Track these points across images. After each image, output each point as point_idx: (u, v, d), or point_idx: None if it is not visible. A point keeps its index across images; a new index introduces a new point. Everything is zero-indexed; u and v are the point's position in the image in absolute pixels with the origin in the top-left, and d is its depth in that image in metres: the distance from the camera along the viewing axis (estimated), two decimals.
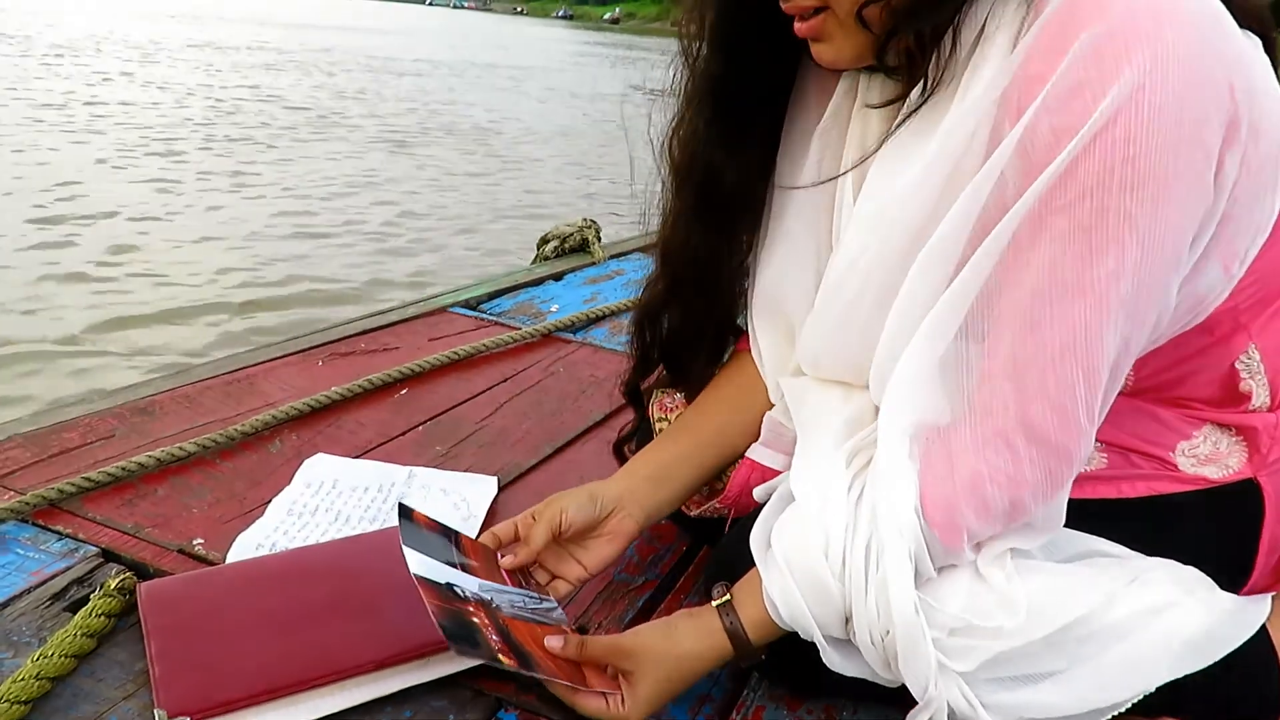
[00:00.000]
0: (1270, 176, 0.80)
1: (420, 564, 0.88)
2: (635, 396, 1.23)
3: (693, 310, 1.10)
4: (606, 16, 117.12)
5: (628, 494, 1.06)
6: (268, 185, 6.71)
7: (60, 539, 1.14)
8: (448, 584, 0.89)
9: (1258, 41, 0.81)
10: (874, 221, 0.88)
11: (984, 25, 0.80)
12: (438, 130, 10.13)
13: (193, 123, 8.80)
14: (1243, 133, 0.74)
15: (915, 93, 0.84)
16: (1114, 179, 0.71)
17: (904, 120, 0.85)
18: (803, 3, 0.84)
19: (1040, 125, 0.73)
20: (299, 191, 6.64)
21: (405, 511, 0.95)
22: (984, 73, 0.79)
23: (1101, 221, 0.72)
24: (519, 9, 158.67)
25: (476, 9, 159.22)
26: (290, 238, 5.48)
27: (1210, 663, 0.84)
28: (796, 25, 0.87)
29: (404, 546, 0.89)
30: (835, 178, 0.97)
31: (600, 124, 12.34)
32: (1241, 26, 0.78)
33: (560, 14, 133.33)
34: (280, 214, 5.96)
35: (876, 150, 0.90)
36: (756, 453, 1.08)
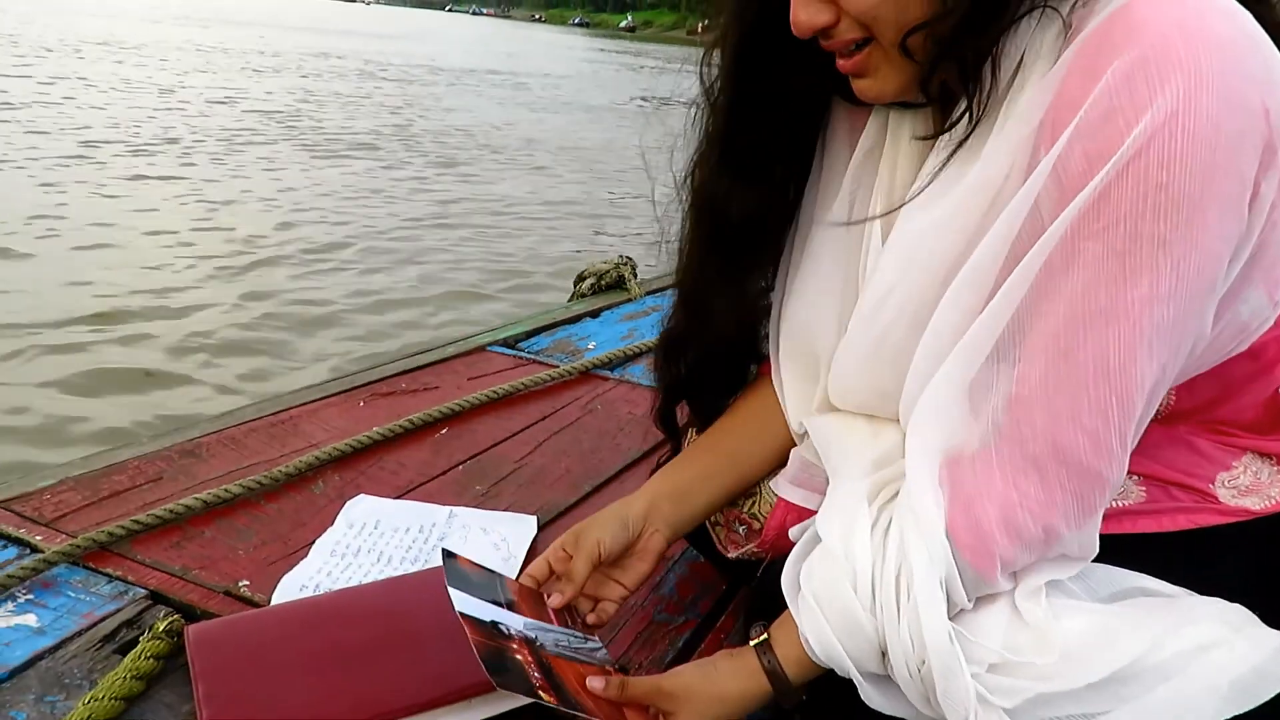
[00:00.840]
0: None
1: (465, 602, 0.89)
2: (669, 422, 1.23)
3: (710, 345, 1.11)
4: (622, 25, 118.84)
5: (653, 511, 1.07)
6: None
7: (110, 581, 1.16)
8: (492, 622, 0.90)
9: None
10: (911, 252, 0.88)
11: (1022, 56, 0.80)
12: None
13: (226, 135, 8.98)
14: (1278, 155, 0.74)
15: (961, 126, 0.83)
16: (1148, 205, 0.71)
17: (953, 153, 0.85)
18: (846, 36, 0.84)
19: (1074, 151, 0.73)
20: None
21: (448, 554, 0.96)
22: (1021, 103, 0.79)
23: (1135, 247, 0.72)
24: (537, 15, 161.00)
25: (496, 15, 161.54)
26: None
27: (1260, 702, 0.82)
28: (840, 62, 0.87)
29: (448, 587, 0.90)
30: (872, 218, 0.97)
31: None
32: (1277, 44, 0.78)
33: (576, 21, 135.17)
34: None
35: (913, 184, 0.91)
36: (788, 492, 1.08)
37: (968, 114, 0.82)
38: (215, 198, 6.33)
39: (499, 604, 0.94)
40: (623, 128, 12.83)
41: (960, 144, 0.84)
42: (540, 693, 0.84)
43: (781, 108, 0.99)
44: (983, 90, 0.81)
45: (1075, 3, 0.78)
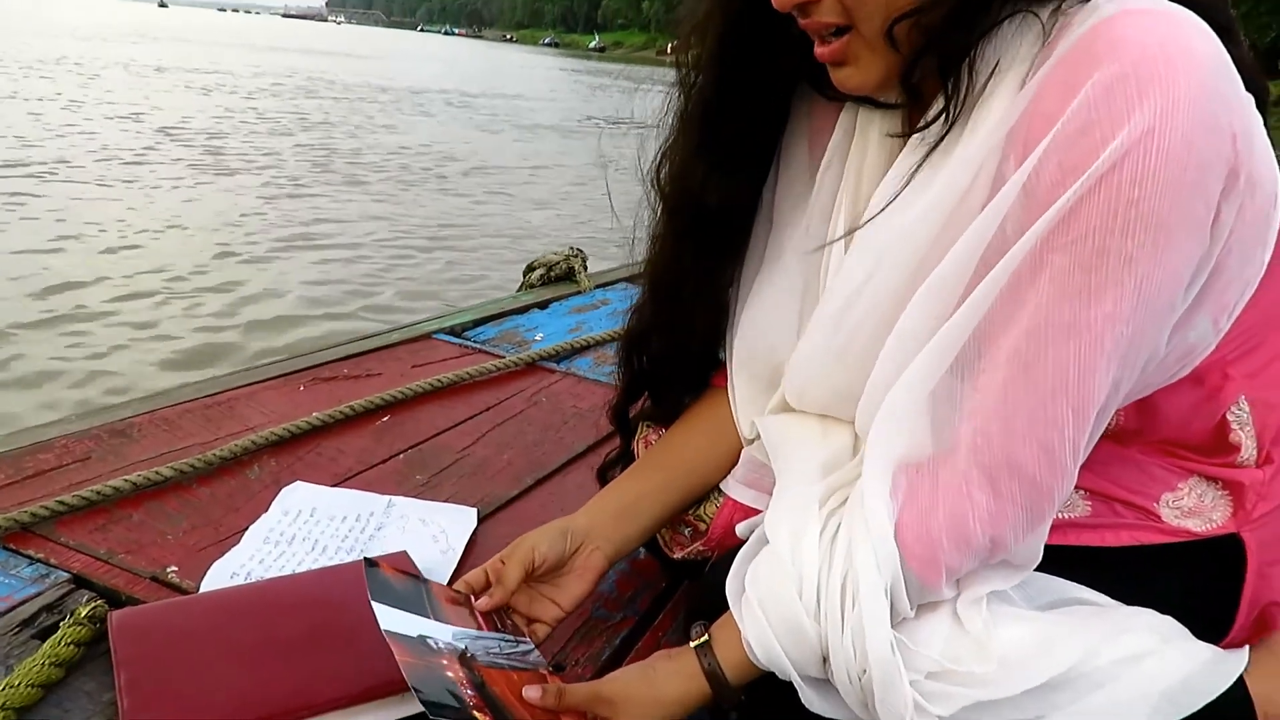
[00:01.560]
0: (1262, 231, 0.80)
1: (390, 619, 0.87)
2: (622, 421, 1.22)
3: (678, 337, 1.10)
4: (591, 45, 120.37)
5: (595, 528, 1.05)
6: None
7: (31, 564, 1.12)
8: (420, 636, 0.88)
9: (1251, 98, 0.82)
10: (879, 255, 0.87)
11: (998, 61, 0.80)
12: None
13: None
14: (1241, 183, 0.74)
15: (936, 126, 0.83)
16: (1117, 221, 0.71)
17: (927, 154, 0.84)
18: (825, 18, 0.83)
19: (1048, 163, 0.73)
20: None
21: (372, 563, 0.94)
22: (994, 108, 0.79)
23: (1102, 263, 0.72)
24: (509, 36, 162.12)
25: (468, 35, 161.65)
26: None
27: (1188, 713, 0.84)
28: (818, 49, 0.86)
29: (372, 602, 0.87)
30: (842, 233, 0.96)
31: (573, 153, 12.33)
32: (1247, 83, 0.79)
33: (547, 41, 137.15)
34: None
35: (879, 185, 0.90)
36: (738, 492, 1.07)
37: (944, 114, 0.82)
38: (77, 219, 6.03)
39: (425, 614, 0.92)
40: (567, 146, 12.66)
41: (934, 147, 0.83)
42: (475, 714, 0.82)
43: (761, 95, 0.99)
44: (959, 90, 0.80)
45: (1054, 11, 0.78)
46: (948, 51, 0.80)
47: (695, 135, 1.00)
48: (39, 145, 8.33)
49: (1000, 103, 0.79)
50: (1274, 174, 0.79)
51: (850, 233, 0.93)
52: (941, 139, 0.83)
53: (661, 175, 1.05)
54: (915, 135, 0.86)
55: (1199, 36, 0.72)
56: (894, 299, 0.85)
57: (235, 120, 11.71)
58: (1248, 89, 0.80)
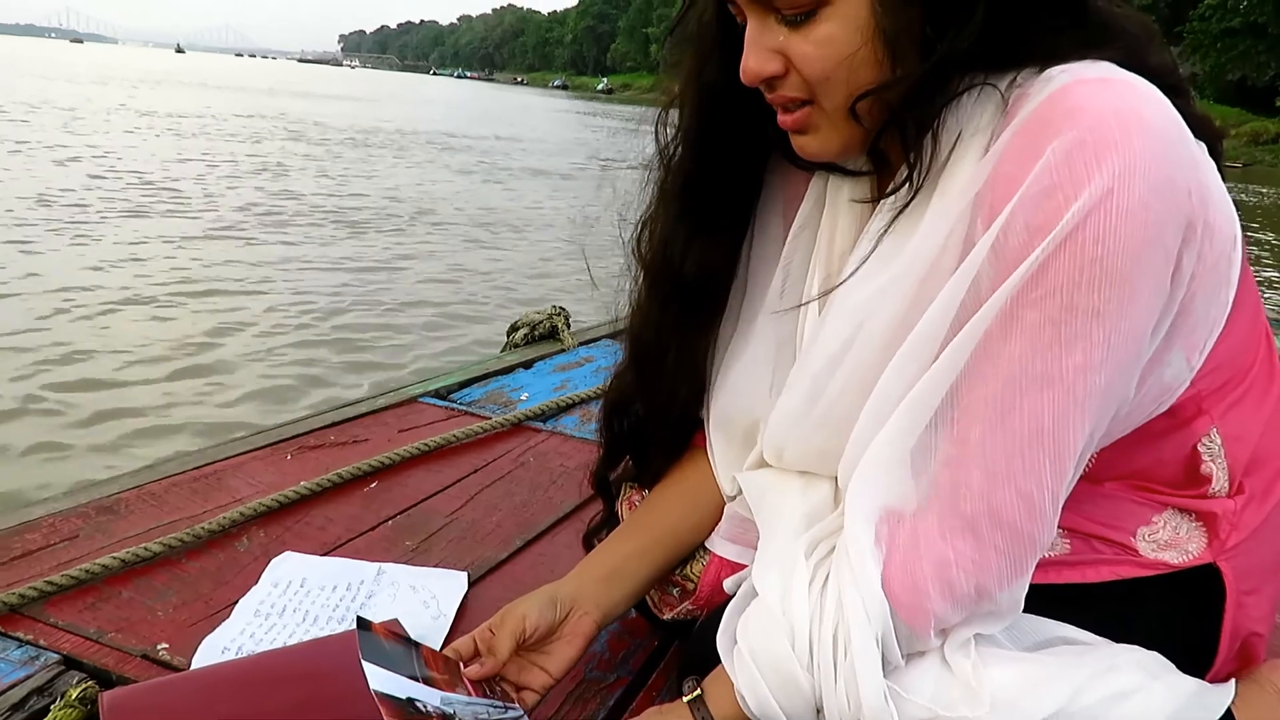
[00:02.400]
0: (1223, 272, 0.84)
1: (380, 679, 0.87)
2: (604, 487, 1.23)
3: (660, 402, 1.11)
4: (599, 87, 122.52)
5: (583, 593, 1.06)
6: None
7: (20, 646, 1.12)
8: (409, 699, 0.88)
9: (1204, 148, 0.85)
10: (855, 321, 0.90)
11: (961, 130, 0.83)
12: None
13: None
14: (1199, 232, 0.78)
15: (902, 191, 0.86)
16: (1083, 277, 0.74)
17: (894, 219, 0.87)
18: (789, 94, 0.86)
19: (1015, 224, 0.76)
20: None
21: (364, 624, 0.94)
22: (959, 174, 0.82)
23: (1071, 317, 0.75)
24: (519, 79, 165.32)
25: (479, 79, 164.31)
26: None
27: None
28: (781, 118, 0.89)
29: (363, 661, 0.88)
30: (814, 294, 0.98)
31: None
32: (1194, 135, 0.82)
33: (556, 84, 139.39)
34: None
35: (851, 250, 0.93)
36: (723, 548, 1.08)
37: (908, 182, 0.85)
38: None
39: (414, 677, 0.92)
40: (558, 193, 12.36)
41: (901, 210, 0.87)
42: None
43: (738, 165, 1.02)
44: (923, 160, 0.84)
45: (1011, 82, 0.81)
46: (909, 124, 0.83)
47: (676, 206, 1.03)
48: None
49: (964, 169, 0.82)
50: (1230, 218, 0.83)
51: (825, 295, 0.95)
52: (908, 203, 0.86)
53: (642, 244, 1.07)
54: (884, 200, 0.89)
55: (1150, 102, 0.76)
56: (873, 362, 0.87)
57: (208, 164, 11.51)
58: (1201, 138, 0.83)
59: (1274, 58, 39.61)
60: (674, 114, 1.03)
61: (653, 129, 1.04)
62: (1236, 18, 40.24)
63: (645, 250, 1.08)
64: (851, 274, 0.90)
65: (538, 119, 34.16)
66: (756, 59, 0.85)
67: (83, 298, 5.30)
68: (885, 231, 0.88)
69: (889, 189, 0.88)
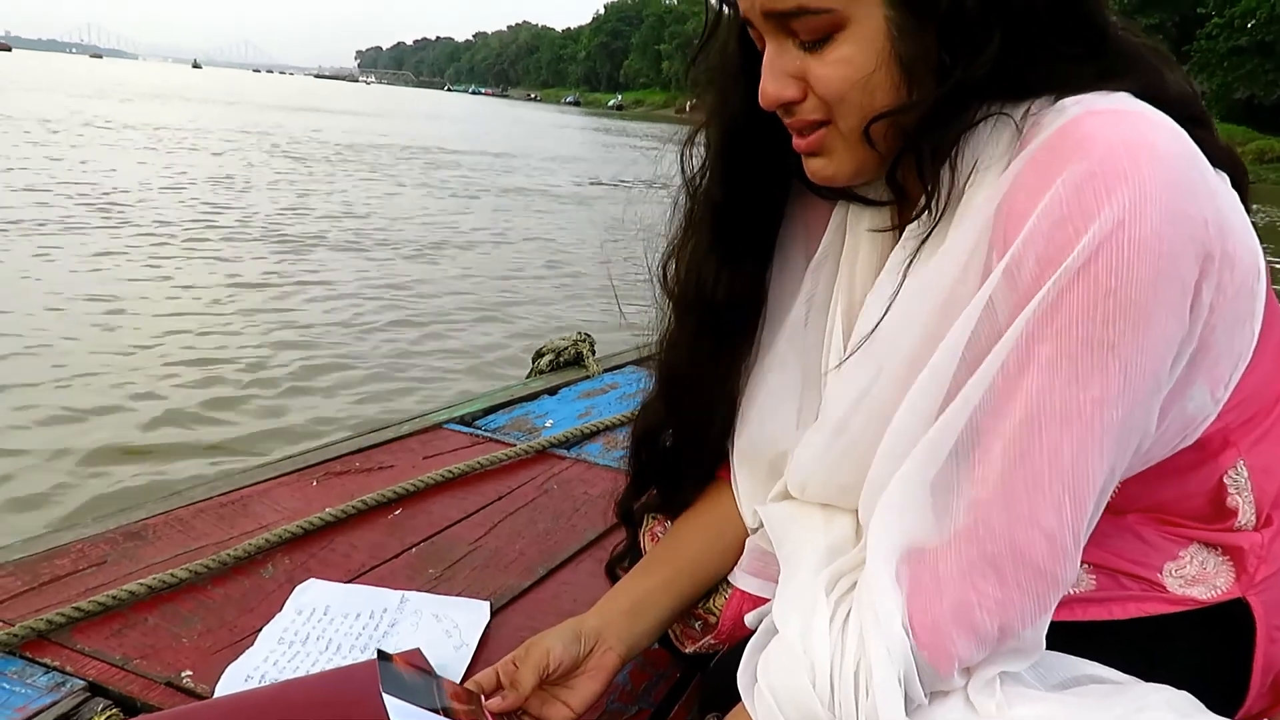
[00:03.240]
0: (1247, 304, 0.83)
1: (401, 713, 0.87)
2: (629, 517, 1.23)
3: (691, 432, 1.11)
4: (611, 104, 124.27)
5: (607, 627, 1.05)
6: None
7: (47, 672, 1.13)
8: None
9: (1226, 178, 0.85)
10: (876, 353, 0.90)
11: (977, 160, 0.83)
12: None
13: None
14: (1217, 264, 0.77)
15: (923, 220, 0.86)
16: (1098, 311, 0.73)
17: (916, 250, 0.87)
18: (806, 117, 0.87)
19: (1027, 257, 0.76)
20: None
21: (384, 656, 0.95)
22: (976, 205, 0.82)
23: (1087, 351, 0.74)
24: (533, 95, 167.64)
25: (494, 95, 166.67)
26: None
27: None
28: (796, 141, 0.90)
29: (384, 694, 0.88)
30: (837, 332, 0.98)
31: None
32: (1214, 167, 0.82)
33: (569, 100, 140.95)
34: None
35: (873, 281, 0.93)
36: (745, 582, 1.08)
37: (928, 211, 0.85)
38: None
39: (435, 709, 0.92)
40: (530, 215, 11.69)
41: (922, 241, 0.87)
42: None
43: (764, 193, 1.03)
44: (940, 188, 0.84)
45: (1026, 112, 0.81)
46: (925, 152, 0.83)
47: (707, 236, 1.04)
48: None
49: (980, 200, 0.82)
50: (1252, 249, 0.82)
51: (845, 330, 0.95)
52: (929, 234, 0.86)
53: (668, 274, 1.08)
54: (905, 231, 0.89)
55: (1161, 132, 0.76)
56: (893, 397, 0.87)
57: (173, 179, 11.13)
58: (1223, 169, 0.82)
59: None
60: (699, 141, 1.03)
61: (667, 152, 1.05)
62: (1244, 36, 40.11)
63: (673, 280, 1.08)
64: (884, 315, 0.90)
65: (541, 135, 33.87)
66: (775, 84, 0.86)
67: None
68: (909, 264, 0.88)
69: (908, 220, 0.88)
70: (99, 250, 7.02)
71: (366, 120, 31.22)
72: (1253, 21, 39.66)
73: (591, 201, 13.62)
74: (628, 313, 1.15)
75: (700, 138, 1.04)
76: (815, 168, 0.91)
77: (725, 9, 0.95)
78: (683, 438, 1.12)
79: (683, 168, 1.05)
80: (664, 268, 1.09)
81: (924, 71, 0.81)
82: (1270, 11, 38.77)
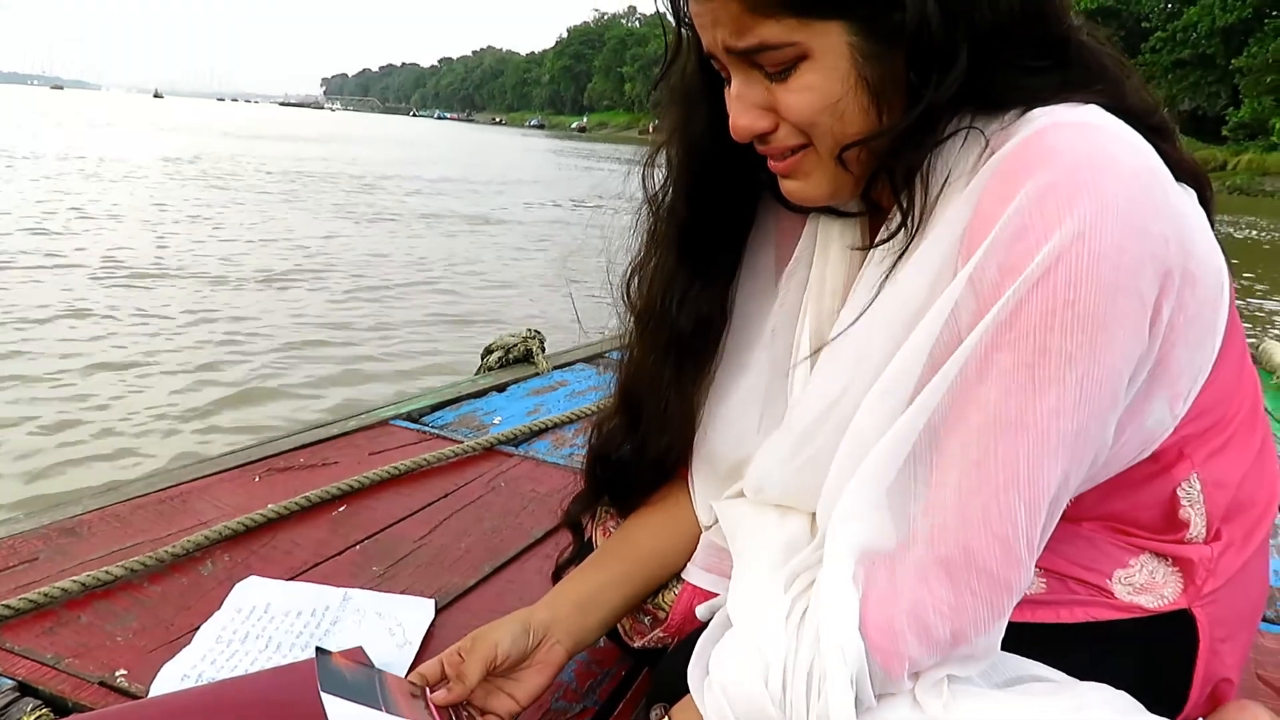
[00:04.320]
0: (1209, 320, 0.84)
1: (340, 712, 0.86)
2: (577, 527, 1.23)
3: (650, 448, 1.11)
4: (574, 126, 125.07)
5: (555, 622, 1.05)
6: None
7: None
8: None
9: (1193, 194, 0.86)
10: (849, 366, 0.90)
11: (948, 174, 0.84)
12: None
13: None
14: (1177, 281, 0.78)
15: (900, 236, 0.87)
16: (1055, 321, 0.74)
17: (894, 264, 0.87)
18: (785, 143, 0.87)
19: (988, 265, 0.77)
20: None
21: (322, 652, 0.93)
22: (947, 217, 0.83)
23: (1043, 360, 0.75)
24: (498, 119, 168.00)
25: (459, 119, 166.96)
26: None
27: None
28: (772, 162, 0.90)
29: (322, 694, 0.86)
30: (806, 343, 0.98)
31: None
32: (1178, 179, 0.83)
33: (533, 123, 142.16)
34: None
35: (842, 292, 0.94)
36: (697, 577, 1.08)
37: (904, 228, 0.86)
38: None
39: (378, 706, 0.91)
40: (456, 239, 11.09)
41: (899, 256, 0.87)
42: None
43: (729, 209, 1.03)
44: (914, 204, 0.84)
45: (995, 125, 0.82)
46: (898, 171, 0.84)
47: (671, 253, 1.04)
48: None
49: (952, 212, 0.83)
50: (1217, 266, 0.83)
51: (820, 345, 0.96)
52: (905, 249, 0.86)
53: (631, 290, 1.07)
54: (877, 244, 0.90)
55: (1125, 147, 0.77)
56: (858, 402, 0.87)
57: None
58: (1187, 183, 0.84)
59: (1224, 88, 40.51)
60: (659, 161, 1.04)
61: (628, 172, 1.05)
62: (1186, 49, 41.22)
63: (636, 297, 1.08)
64: (852, 323, 0.90)
65: (499, 158, 33.58)
66: (747, 117, 0.87)
67: None
68: (884, 279, 0.88)
69: (880, 235, 0.89)
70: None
71: (308, 146, 30.50)
72: (1194, 35, 40.73)
73: (543, 223, 13.40)
74: (575, 310, 1.14)
75: (661, 157, 1.04)
76: (792, 189, 0.92)
77: (684, 31, 0.95)
78: (640, 453, 1.11)
79: (644, 186, 1.05)
80: (626, 284, 1.09)
81: (893, 93, 0.82)
82: (1211, 25, 39.84)
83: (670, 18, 0.95)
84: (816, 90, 0.82)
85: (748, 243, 1.07)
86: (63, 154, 18.53)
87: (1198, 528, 0.93)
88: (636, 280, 1.08)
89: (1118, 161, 0.75)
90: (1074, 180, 0.74)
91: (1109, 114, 0.80)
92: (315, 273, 8.04)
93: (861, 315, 0.89)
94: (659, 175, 1.04)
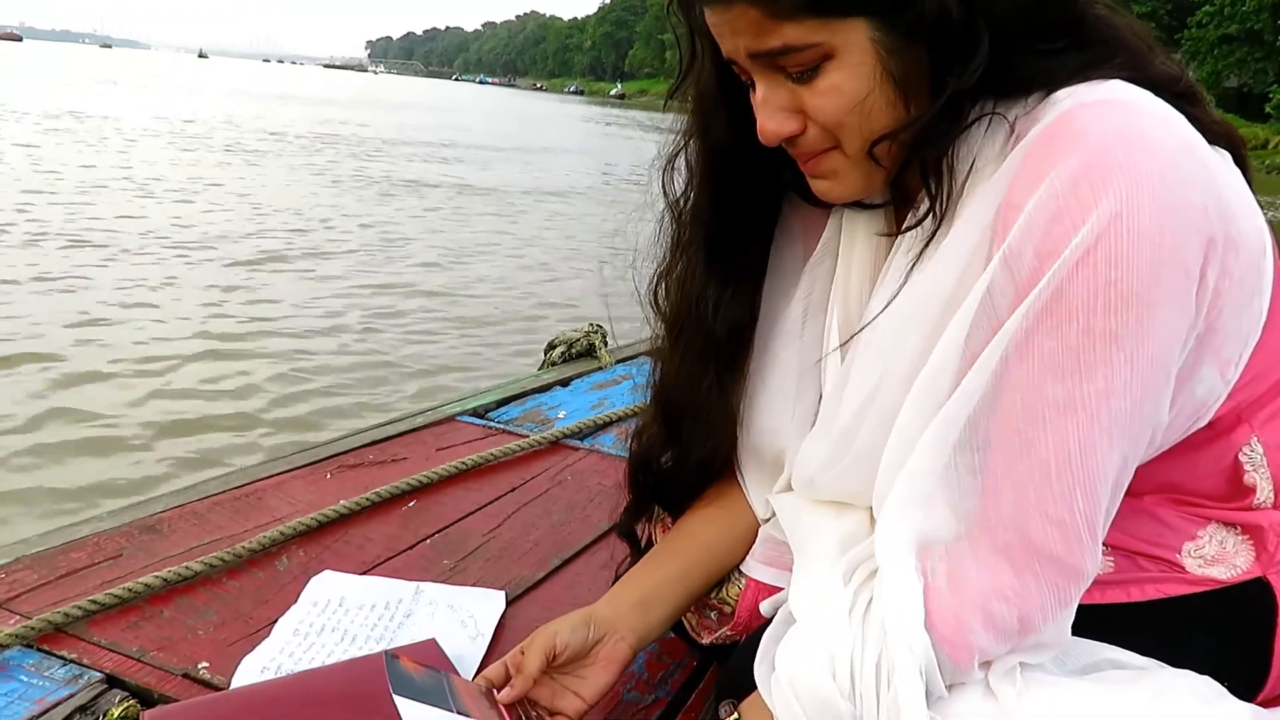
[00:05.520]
0: (1253, 283, 0.82)
1: (413, 713, 0.87)
2: (631, 537, 1.23)
3: (693, 451, 1.10)
4: (612, 93, 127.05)
5: (619, 618, 1.05)
6: None
7: (64, 665, 1.13)
8: None
9: (1227, 156, 0.84)
10: (879, 357, 0.90)
11: (974, 160, 0.83)
12: None
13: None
14: (1220, 248, 0.77)
15: (927, 223, 0.86)
16: (1098, 302, 0.73)
17: (920, 252, 0.87)
18: (814, 146, 0.87)
19: (1024, 249, 0.76)
20: None
21: (393, 656, 0.94)
22: (973, 206, 0.82)
23: (1089, 342, 0.74)
24: (538, 85, 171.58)
25: (500, 84, 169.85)
26: None
27: None
28: (803, 164, 0.90)
29: (394, 696, 0.87)
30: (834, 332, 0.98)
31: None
32: (1211, 144, 0.81)
33: (572, 89, 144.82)
34: None
35: (870, 283, 0.93)
36: (759, 572, 1.07)
37: (931, 215, 0.85)
38: None
39: (448, 707, 0.92)
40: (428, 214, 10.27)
41: (927, 243, 0.86)
42: None
43: (753, 210, 1.02)
44: (941, 190, 0.84)
45: (1019, 109, 0.81)
46: (927, 160, 0.83)
47: (699, 259, 1.03)
48: None
49: (980, 199, 0.82)
50: (1259, 228, 0.82)
51: (850, 335, 0.95)
52: (932, 235, 0.86)
53: (659, 298, 1.07)
54: (905, 234, 0.89)
55: (1154, 119, 0.76)
56: (896, 397, 0.87)
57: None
58: (1220, 145, 0.82)
59: (1271, 65, 39.09)
60: (679, 166, 1.03)
61: (653, 176, 1.04)
62: (1234, 25, 39.80)
63: (665, 305, 1.08)
64: (881, 312, 0.90)
65: (529, 124, 33.10)
66: (774, 121, 0.86)
67: None
68: (912, 267, 0.88)
69: (907, 223, 0.88)
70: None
71: (340, 110, 30.04)
72: (1242, 9, 39.40)
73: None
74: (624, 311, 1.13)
75: (680, 161, 1.03)
76: (824, 189, 0.91)
77: (697, 39, 0.94)
78: (684, 460, 1.11)
79: (665, 191, 1.04)
80: (654, 291, 1.08)
81: (918, 84, 0.81)
82: (1260, 0, 38.51)
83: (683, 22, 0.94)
84: (843, 90, 0.82)
85: (773, 239, 1.07)
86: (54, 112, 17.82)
87: (1265, 493, 0.91)
88: (664, 287, 1.08)
89: (1147, 136, 0.74)
90: (1105, 160, 0.73)
91: (1133, 87, 0.78)
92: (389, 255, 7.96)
93: (891, 303, 0.89)
94: (679, 180, 1.04)
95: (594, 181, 15.71)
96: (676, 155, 1.02)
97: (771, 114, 0.86)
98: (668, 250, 1.06)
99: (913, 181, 0.87)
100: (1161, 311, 0.74)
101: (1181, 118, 0.77)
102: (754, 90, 0.87)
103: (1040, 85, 0.81)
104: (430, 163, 15.86)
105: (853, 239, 0.99)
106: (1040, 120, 0.78)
